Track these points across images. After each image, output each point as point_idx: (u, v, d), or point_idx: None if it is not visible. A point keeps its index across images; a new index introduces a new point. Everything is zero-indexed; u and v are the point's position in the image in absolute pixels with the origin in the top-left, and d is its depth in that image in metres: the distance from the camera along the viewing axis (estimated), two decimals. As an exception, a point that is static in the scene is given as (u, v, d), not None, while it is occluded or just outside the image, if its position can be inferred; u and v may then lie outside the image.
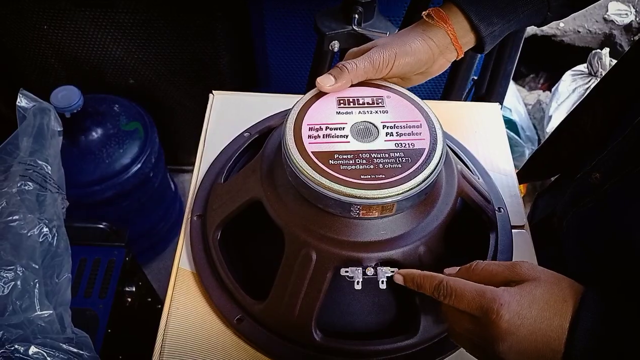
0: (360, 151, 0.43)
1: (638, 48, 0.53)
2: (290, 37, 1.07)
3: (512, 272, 0.38)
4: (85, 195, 0.99)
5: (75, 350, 0.60)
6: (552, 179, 0.70)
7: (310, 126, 0.45)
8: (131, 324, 0.80)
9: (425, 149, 0.44)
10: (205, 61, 1.08)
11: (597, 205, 0.49)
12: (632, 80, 0.53)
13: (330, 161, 0.42)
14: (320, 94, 0.47)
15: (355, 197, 0.41)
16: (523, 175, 0.69)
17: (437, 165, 0.43)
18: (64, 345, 0.60)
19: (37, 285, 0.61)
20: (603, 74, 1.36)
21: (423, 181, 0.42)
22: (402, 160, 0.43)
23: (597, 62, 1.36)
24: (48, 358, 0.57)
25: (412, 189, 0.41)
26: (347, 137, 0.45)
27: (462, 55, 0.49)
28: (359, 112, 0.46)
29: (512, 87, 1.59)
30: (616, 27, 1.65)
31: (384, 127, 0.45)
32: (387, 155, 0.43)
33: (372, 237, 0.43)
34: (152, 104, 1.15)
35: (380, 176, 0.42)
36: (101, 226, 0.78)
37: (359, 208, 0.41)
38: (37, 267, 0.63)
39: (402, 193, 0.41)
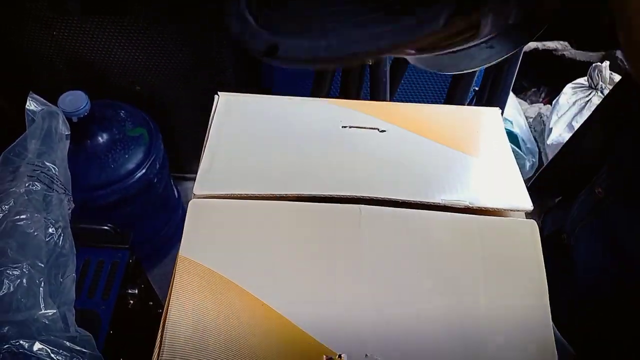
0: None
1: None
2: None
3: None
4: (89, 199, 1.00)
5: (78, 348, 0.60)
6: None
7: None
8: (132, 326, 0.81)
9: None
10: (212, 70, 1.10)
11: (603, 219, 0.50)
12: (626, 104, 0.54)
13: None
14: None
15: None
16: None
17: None
18: (67, 343, 0.60)
19: (42, 284, 0.62)
20: (603, 87, 1.37)
21: None
22: None
23: (598, 75, 1.38)
24: (52, 355, 0.58)
25: None
26: None
27: None
28: None
29: (514, 100, 1.61)
30: (617, 42, 1.67)
31: None
32: None
33: None
34: (158, 111, 1.16)
35: None
36: (106, 228, 0.79)
37: None
38: (42, 265, 0.63)
39: None
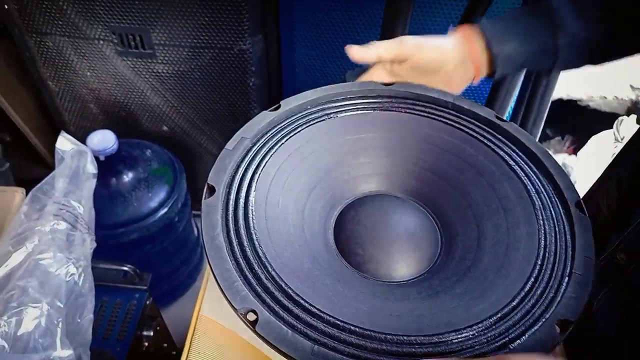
0: None
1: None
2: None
3: None
4: (110, 236, 1.01)
5: (91, 392, 0.60)
6: None
7: None
8: (146, 369, 0.80)
9: None
10: (237, 113, 1.12)
11: (626, 286, 0.48)
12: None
13: None
14: None
15: None
16: None
17: None
18: (81, 387, 0.60)
19: (60, 324, 0.62)
20: (629, 141, 1.36)
21: None
22: None
23: (624, 129, 1.36)
24: (65, 398, 0.57)
25: None
26: None
27: (478, 77, 0.53)
28: None
29: (537, 149, 1.59)
30: (643, 94, 1.66)
31: None
32: None
33: None
34: (183, 151, 1.19)
35: None
36: (125, 269, 0.79)
37: None
38: (61, 305, 0.64)
39: None
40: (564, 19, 0.48)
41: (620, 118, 1.40)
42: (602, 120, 1.67)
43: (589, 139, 1.49)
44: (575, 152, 1.70)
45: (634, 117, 1.39)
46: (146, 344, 0.80)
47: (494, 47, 0.50)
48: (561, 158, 1.70)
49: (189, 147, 1.21)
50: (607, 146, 1.40)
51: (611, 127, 1.44)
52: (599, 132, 1.47)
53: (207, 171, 0.46)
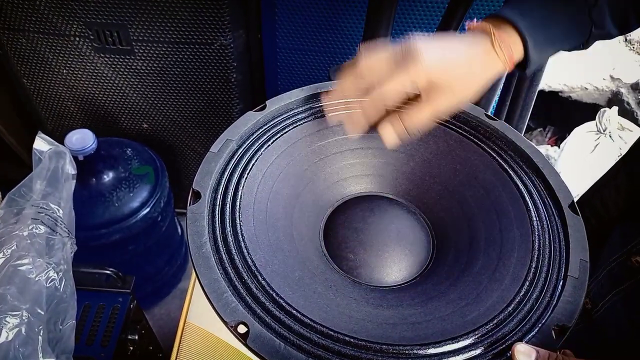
0: None
1: None
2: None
3: None
4: (91, 238, 0.99)
5: (75, 401, 0.58)
6: None
7: None
8: (131, 373, 0.78)
9: None
10: (219, 109, 1.10)
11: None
12: None
13: None
14: None
15: None
16: None
17: None
18: (64, 396, 0.58)
19: (41, 332, 0.60)
20: (611, 133, 1.37)
21: None
22: None
23: (607, 120, 1.38)
24: (47, 409, 0.55)
25: None
26: None
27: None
28: None
29: (520, 141, 1.60)
30: (623, 84, 1.68)
31: None
32: None
33: None
34: (164, 149, 1.16)
35: None
36: (107, 272, 0.77)
37: None
38: (42, 313, 0.62)
39: None
40: (604, 26, 0.44)
41: (602, 110, 1.41)
42: (584, 111, 1.68)
43: (570, 130, 1.50)
44: (557, 143, 1.72)
45: (615, 108, 1.40)
46: (131, 347, 0.78)
47: (532, 55, 0.42)
48: (543, 149, 1.71)
49: (170, 145, 1.19)
50: (590, 138, 1.41)
51: (593, 119, 1.45)
52: (581, 123, 1.48)
53: (189, 169, 0.44)
